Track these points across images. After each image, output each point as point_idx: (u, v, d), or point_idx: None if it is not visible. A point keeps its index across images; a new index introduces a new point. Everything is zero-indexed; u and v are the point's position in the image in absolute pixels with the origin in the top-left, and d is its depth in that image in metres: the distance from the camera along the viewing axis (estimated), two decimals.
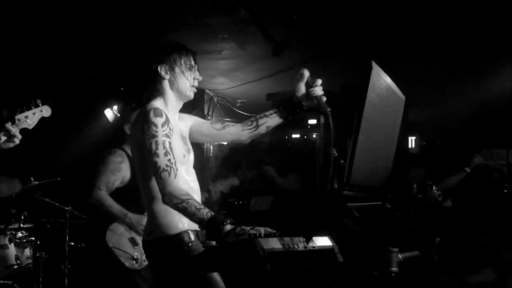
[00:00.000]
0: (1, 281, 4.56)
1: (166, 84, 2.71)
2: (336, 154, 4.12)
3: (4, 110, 7.09)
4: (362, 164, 1.69)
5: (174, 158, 2.50)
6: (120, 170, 4.39)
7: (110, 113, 6.68)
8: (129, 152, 4.54)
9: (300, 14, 4.55)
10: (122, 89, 6.59)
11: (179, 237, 2.55)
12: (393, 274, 1.72)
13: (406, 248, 1.83)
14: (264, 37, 4.97)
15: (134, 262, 4.22)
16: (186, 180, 2.65)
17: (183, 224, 2.58)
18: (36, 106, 3.18)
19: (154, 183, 2.56)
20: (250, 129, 2.80)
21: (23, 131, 3.01)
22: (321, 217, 1.80)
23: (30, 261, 4.91)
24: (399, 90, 1.89)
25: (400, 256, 1.75)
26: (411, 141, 7.41)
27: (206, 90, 7.12)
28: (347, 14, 4.52)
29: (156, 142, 2.48)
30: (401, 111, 1.96)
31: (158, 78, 2.69)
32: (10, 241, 4.80)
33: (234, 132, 2.85)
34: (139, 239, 4.33)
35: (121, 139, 4.64)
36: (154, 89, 2.71)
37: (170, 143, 2.51)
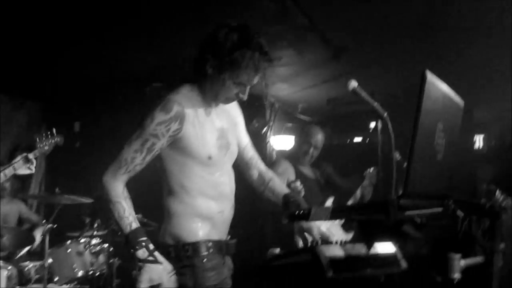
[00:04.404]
0: (79, 286, 4.79)
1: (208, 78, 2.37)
2: (399, 158, 4.08)
3: (76, 122, 7.45)
4: (421, 171, 1.70)
5: (143, 163, 2.29)
6: None
7: None
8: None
9: (358, 17, 4.56)
10: None
11: (195, 247, 2.32)
12: (455, 281, 1.72)
13: (468, 254, 1.82)
14: (322, 43, 5.00)
15: None
16: (214, 184, 2.41)
17: (203, 231, 2.36)
18: (53, 136, 3.83)
19: (171, 173, 2.37)
20: (258, 188, 2.67)
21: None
22: (381, 224, 1.81)
23: (105, 266, 5.11)
24: (457, 96, 1.88)
25: (462, 262, 1.75)
26: (478, 140, 7.20)
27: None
28: (404, 15, 4.47)
29: (138, 135, 2.29)
30: (459, 116, 1.96)
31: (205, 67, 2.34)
32: (85, 248, 5.02)
33: (251, 176, 2.69)
34: None
35: None
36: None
37: (153, 144, 2.27)
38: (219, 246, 2.40)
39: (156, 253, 2.25)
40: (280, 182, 2.70)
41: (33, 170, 3.62)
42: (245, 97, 2.40)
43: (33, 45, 5.18)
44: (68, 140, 7.22)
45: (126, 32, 4.91)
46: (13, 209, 5.71)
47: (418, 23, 4.62)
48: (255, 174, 2.69)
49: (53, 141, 3.82)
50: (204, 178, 2.38)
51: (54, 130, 3.81)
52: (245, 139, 2.70)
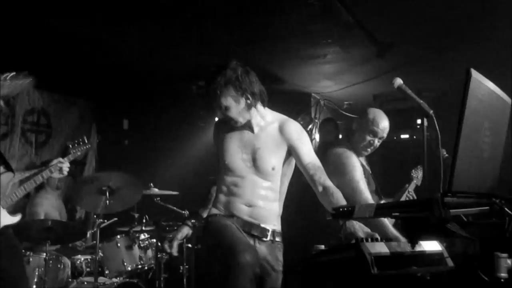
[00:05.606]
0: (128, 280, 4.92)
1: None
2: (446, 155, 4.00)
3: (125, 120, 7.59)
4: (466, 170, 1.69)
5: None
6: None
7: None
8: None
9: (403, 13, 4.51)
10: None
11: (209, 215, 3.11)
12: (502, 280, 1.70)
13: None
14: (367, 40, 4.97)
15: None
16: (228, 183, 3.06)
17: (215, 210, 3.08)
18: (84, 143, 4.17)
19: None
20: (322, 200, 2.92)
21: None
22: (426, 222, 1.81)
23: (153, 261, 5.24)
24: (504, 94, 1.86)
25: (509, 261, 1.73)
26: None
27: (313, 94, 7.21)
28: (451, 10, 4.40)
29: None
30: (507, 114, 1.93)
31: None
32: (134, 242, 5.15)
33: (316, 191, 2.95)
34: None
35: None
36: None
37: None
38: (223, 216, 3.04)
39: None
40: (341, 195, 2.87)
41: (65, 174, 3.91)
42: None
43: (85, 44, 5.35)
44: (117, 137, 7.47)
45: (175, 32, 5.01)
46: (62, 205, 5.89)
47: (465, 18, 4.54)
48: (319, 189, 2.94)
49: (84, 147, 4.17)
50: (221, 177, 3.09)
51: (85, 138, 4.19)
52: (306, 159, 3.02)
